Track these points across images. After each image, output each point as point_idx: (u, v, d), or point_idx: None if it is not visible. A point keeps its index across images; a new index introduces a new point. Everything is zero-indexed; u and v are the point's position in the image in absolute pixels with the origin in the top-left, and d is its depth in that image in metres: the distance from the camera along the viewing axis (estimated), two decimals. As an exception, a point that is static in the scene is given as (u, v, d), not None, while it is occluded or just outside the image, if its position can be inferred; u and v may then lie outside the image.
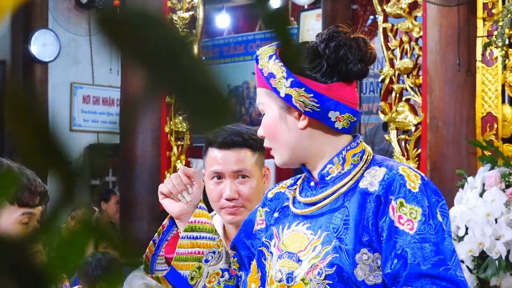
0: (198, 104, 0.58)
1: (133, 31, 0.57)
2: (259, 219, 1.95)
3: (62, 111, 9.54)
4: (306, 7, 8.48)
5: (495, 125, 4.38)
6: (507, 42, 4.25)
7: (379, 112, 5.26)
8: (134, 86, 6.28)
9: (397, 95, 5.02)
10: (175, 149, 6.51)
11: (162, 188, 1.97)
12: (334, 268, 1.72)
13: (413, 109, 4.97)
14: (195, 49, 6.37)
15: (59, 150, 0.57)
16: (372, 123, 7.22)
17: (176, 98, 0.57)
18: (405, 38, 5.00)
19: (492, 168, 3.99)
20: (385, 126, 5.65)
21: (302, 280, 1.76)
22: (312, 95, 1.77)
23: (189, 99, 0.58)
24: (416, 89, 4.93)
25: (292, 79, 1.78)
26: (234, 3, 9.46)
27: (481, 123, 4.43)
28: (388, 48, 5.07)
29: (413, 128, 4.91)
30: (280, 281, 1.80)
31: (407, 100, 5.00)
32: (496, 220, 3.76)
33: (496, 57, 4.35)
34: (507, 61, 4.30)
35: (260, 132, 1.88)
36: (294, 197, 1.88)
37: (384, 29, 5.10)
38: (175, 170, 6.19)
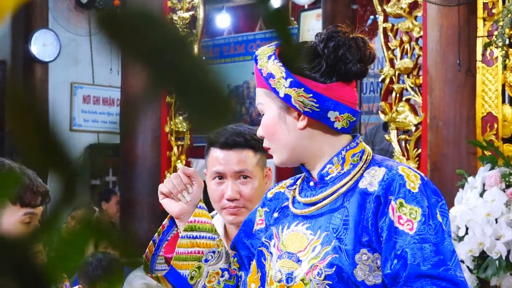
0: (198, 104, 0.58)
1: (133, 31, 0.57)
2: (259, 219, 1.95)
3: (62, 111, 9.53)
4: (306, 7, 8.48)
5: (495, 125, 4.38)
6: (507, 42, 4.24)
7: (379, 112, 5.27)
8: (134, 86, 6.28)
9: (397, 95, 5.02)
10: (175, 149, 6.51)
11: (162, 188, 1.97)
12: (334, 269, 1.72)
13: (413, 109, 4.97)
14: (196, 49, 6.36)
15: (59, 150, 0.57)
16: (372, 123, 7.22)
17: (176, 97, 0.57)
18: (405, 38, 5.00)
19: (492, 168, 3.99)
20: (385, 126, 5.65)
21: (302, 280, 1.76)
22: (311, 95, 1.77)
23: (189, 98, 0.58)
24: (417, 89, 4.93)
25: (291, 79, 1.77)
26: (234, 3, 9.46)
27: (481, 123, 4.43)
28: (388, 48, 5.07)
29: (413, 128, 4.91)
30: (279, 281, 1.80)
31: (407, 100, 5.00)
32: (496, 220, 3.76)
33: (496, 57, 4.35)
34: (507, 61, 4.30)
35: (260, 132, 1.87)
36: (294, 197, 1.88)
37: (384, 29, 5.10)
38: (175, 170, 6.19)
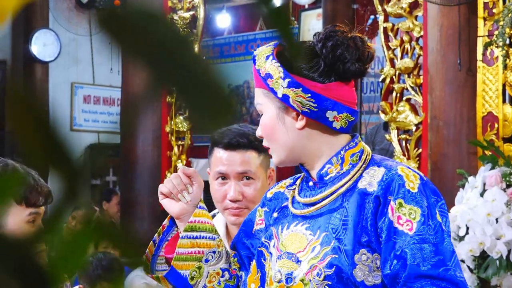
0: (199, 104, 0.58)
1: (134, 30, 0.57)
2: (259, 219, 1.95)
3: (63, 111, 9.53)
4: (306, 6, 8.48)
5: (496, 125, 4.38)
6: (507, 41, 4.24)
7: (379, 111, 5.26)
8: (135, 86, 6.28)
9: (398, 94, 5.02)
10: (175, 148, 6.51)
11: (162, 188, 1.97)
12: (333, 269, 1.72)
13: (413, 109, 4.97)
14: (196, 49, 6.37)
15: (60, 150, 0.58)
16: (372, 123, 7.22)
17: (177, 97, 0.57)
18: (405, 38, 5.00)
19: (492, 168, 3.99)
20: (385, 126, 5.65)
21: (302, 280, 1.76)
22: (309, 95, 1.77)
23: (190, 98, 0.58)
24: (417, 89, 4.93)
25: (289, 80, 1.77)
26: (235, 3, 9.47)
27: (481, 122, 4.43)
28: (388, 48, 5.07)
29: (413, 128, 4.92)
30: (279, 281, 1.79)
31: (408, 100, 5.00)
32: (496, 219, 3.76)
33: (497, 56, 4.35)
34: (507, 60, 4.30)
35: (259, 132, 1.87)
36: (293, 197, 1.88)
37: (385, 28, 5.10)
38: (175, 170, 6.20)
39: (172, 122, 6.49)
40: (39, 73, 9.05)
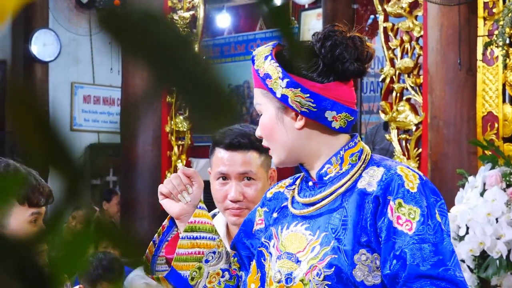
0: (200, 104, 0.58)
1: (134, 30, 0.57)
2: (259, 219, 1.95)
3: (63, 111, 9.53)
4: (306, 6, 8.48)
5: (496, 125, 4.38)
6: (507, 41, 4.24)
7: (379, 111, 5.26)
8: (135, 86, 6.28)
9: (398, 94, 5.02)
10: (175, 148, 6.51)
11: (162, 188, 1.97)
12: (333, 269, 1.71)
13: (413, 109, 4.97)
14: (196, 49, 6.37)
15: (60, 150, 0.58)
16: (372, 123, 7.22)
17: (178, 97, 0.57)
18: (405, 38, 5.00)
19: (492, 168, 3.99)
20: (385, 126, 5.65)
21: (301, 281, 1.76)
22: (308, 95, 1.76)
23: (191, 98, 0.58)
24: (417, 89, 4.93)
25: (288, 80, 1.77)
26: (235, 3, 9.47)
27: (481, 122, 4.43)
28: (388, 48, 5.07)
29: (413, 128, 4.91)
30: (279, 281, 1.79)
31: (408, 100, 5.00)
32: (496, 219, 3.76)
33: (497, 56, 4.35)
34: (507, 60, 4.30)
35: (258, 132, 1.87)
36: (293, 197, 1.88)
37: (385, 28, 5.10)
38: (175, 170, 6.20)
39: (172, 122, 6.49)
40: (39, 73, 9.05)
